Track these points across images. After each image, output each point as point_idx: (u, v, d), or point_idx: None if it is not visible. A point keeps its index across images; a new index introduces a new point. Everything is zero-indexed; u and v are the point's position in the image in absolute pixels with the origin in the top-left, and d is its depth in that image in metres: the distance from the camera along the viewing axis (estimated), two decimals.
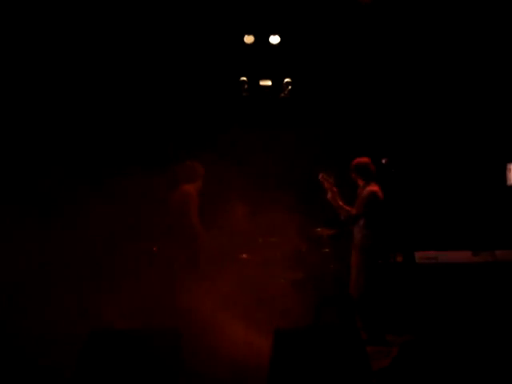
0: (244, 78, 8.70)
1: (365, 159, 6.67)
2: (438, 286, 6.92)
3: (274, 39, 8.47)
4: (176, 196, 6.78)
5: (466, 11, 7.77)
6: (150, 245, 7.13)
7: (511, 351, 4.80)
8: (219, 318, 6.07)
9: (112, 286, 6.05)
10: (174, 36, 8.26)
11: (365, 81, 8.53)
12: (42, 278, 6.23)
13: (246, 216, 7.05)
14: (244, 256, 7.32)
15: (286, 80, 8.71)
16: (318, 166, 6.91)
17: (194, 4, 7.99)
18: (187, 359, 4.32)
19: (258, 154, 8.31)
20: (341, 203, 6.59)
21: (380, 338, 6.50)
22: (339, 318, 6.90)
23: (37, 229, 6.26)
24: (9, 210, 6.29)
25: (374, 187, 6.54)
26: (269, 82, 8.79)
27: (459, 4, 7.69)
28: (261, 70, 8.75)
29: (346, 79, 8.56)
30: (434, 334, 5.57)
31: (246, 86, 8.71)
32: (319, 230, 7.71)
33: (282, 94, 8.75)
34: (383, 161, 6.79)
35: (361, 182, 6.70)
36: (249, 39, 8.45)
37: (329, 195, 6.59)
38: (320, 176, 6.60)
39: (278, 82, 8.78)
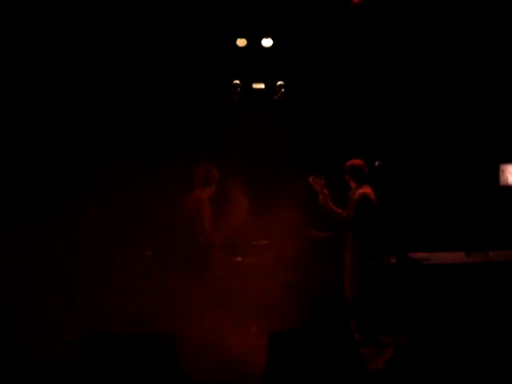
0: (237, 81, 8.70)
1: (358, 161, 6.69)
2: (431, 286, 6.94)
3: (267, 42, 8.48)
4: (189, 202, 6.77)
5: (456, 10, 7.81)
6: (145, 249, 7.14)
7: (505, 351, 4.83)
8: (214, 321, 6.08)
9: (107, 288, 6.07)
10: (167, 39, 8.27)
11: (357, 83, 8.55)
12: (35, 280, 6.24)
13: (240, 218, 7.05)
14: (238, 259, 7.33)
15: (279, 83, 8.71)
16: (310, 168, 6.92)
17: (186, 7, 8.01)
18: (181, 363, 4.33)
19: (250, 156, 8.33)
20: (332, 206, 6.59)
21: (374, 339, 6.52)
22: (333, 320, 6.92)
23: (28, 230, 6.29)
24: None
25: (365, 189, 6.56)
26: (262, 85, 8.79)
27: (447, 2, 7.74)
28: (254, 73, 8.76)
29: (338, 81, 8.59)
30: (428, 336, 5.60)
31: (238, 89, 8.71)
32: (313, 232, 7.73)
33: (275, 97, 8.76)
34: (376, 163, 6.82)
35: (353, 184, 6.71)
36: (241, 42, 8.46)
37: (320, 198, 6.60)
38: (310, 179, 6.61)
39: (271, 84, 8.78)
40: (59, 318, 6.21)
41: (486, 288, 6.80)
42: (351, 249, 6.62)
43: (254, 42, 8.49)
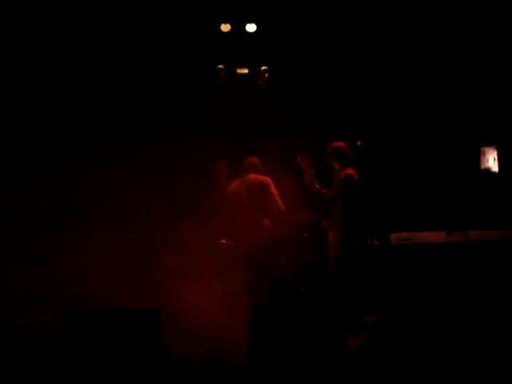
0: (221, 66, 8.73)
1: (341, 143, 6.75)
2: (413, 266, 7.04)
3: (251, 27, 8.52)
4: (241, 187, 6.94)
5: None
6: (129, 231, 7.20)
7: (484, 328, 4.93)
8: (198, 299, 6.15)
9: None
10: (151, 25, 8.27)
11: (339, 66, 8.61)
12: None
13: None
14: (223, 241, 7.38)
15: (263, 68, 8.76)
16: (294, 151, 6.98)
17: None
18: (166, 338, 4.39)
19: (234, 140, 8.39)
20: (317, 186, 6.66)
21: (357, 319, 6.60)
22: (316, 294, 7.00)
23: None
24: None
25: (349, 170, 6.63)
26: (246, 70, 8.84)
27: None
28: (238, 58, 8.80)
29: (321, 65, 8.64)
30: (409, 312, 5.68)
31: (222, 74, 8.75)
32: (297, 214, 7.80)
33: (259, 82, 8.81)
34: (358, 143, 6.88)
35: (337, 166, 6.77)
36: (225, 27, 8.49)
37: (306, 177, 6.67)
38: (299, 158, 6.67)
39: (254, 69, 8.82)
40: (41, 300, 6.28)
41: (466, 266, 6.92)
42: (335, 229, 6.69)
43: (238, 28, 8.51)
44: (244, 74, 8.84)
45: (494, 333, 4.95)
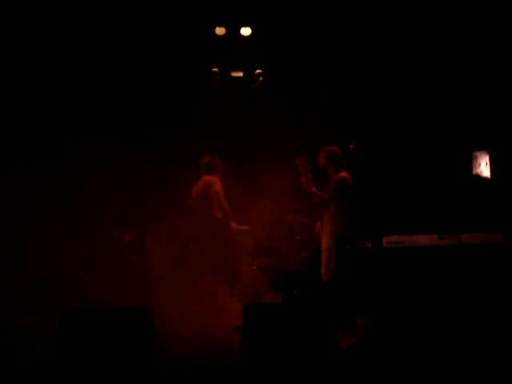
0: (215, 70, 8.78)
1: (334, 148, 6.81)
2: (405, 269, 7.09)
3: (246, 31, 8.57)
4: (198, 186, 7.22)
5: None
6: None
7: (475, 329, 4.97)
8: (191, 299, 6.19)
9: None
10: (146, 28, 8.30)
11: (333, 70, 8.67)
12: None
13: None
14: None
15: (258, 71, 8.81)
16: (290, 154, 7.03)
17: None
18: (160, 337, 4.42)
19: (229, 143, 8.43)
20: (314, 189, 6.70)
21: (349, 322, 6.62)
22: (308, 295, 7.04)
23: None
24: None
25: (343, 173, 6.68)
26: (240, 74, 8.88)
27: None
28: (232, 61, 8.85)
29: (315, 69, 8.69)
30: (400, 314, 5.71)
31: (217, 77, 8.80)
32: (291, 217, 7.86)
33: (254, 85, 8.85)
34: (351, 146, 6.92)
35: (331, 170, 6.81)
36: (220, 31, 8.54)
37: (303, 179, 6.70)
38: (297, 160, 6.71)
39: (249, 73, 8.87)
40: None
41: (458, 269, 6.97)
42: (328, 232, 6.72)
43: (233, 31, 8.56)
44: (238, 78, 8.89)
45: (484, 335, 4.99)
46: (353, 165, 6.84)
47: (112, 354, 4.13)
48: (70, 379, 4.13)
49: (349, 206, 6.67)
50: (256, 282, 7.38)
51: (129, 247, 7.10)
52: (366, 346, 4.90)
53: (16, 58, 7.82)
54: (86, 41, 8.06)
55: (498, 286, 6.84)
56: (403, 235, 7.34)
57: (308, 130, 8.20)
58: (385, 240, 7.32)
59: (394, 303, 6.91)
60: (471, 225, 7.51)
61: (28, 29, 7.76)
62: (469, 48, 8.27)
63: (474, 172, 8.53)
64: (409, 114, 8.66)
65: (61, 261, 6.43)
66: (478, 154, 8.47)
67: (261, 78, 8.81)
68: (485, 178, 8.51)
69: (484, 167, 8.48)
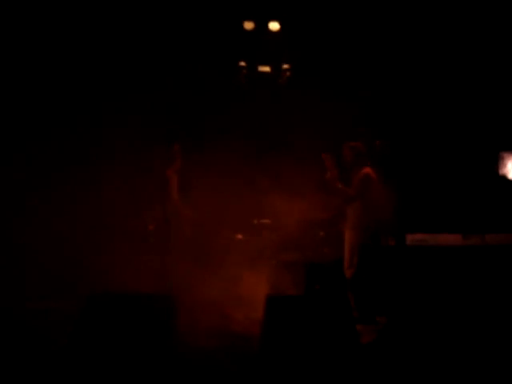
0: (243, 64, 8.80)
1: (358, 143, 6.79)
2: (428, 267, 7.05)
3: (274, 26, 8.57)
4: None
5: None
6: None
7: (497, 330, 4.93)
8: (214, 294, 6.21)
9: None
10: (175, 22, 8.34)
11: (362, 67, 8.63)
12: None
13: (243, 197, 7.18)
14: (239, 236, 7.44)
15: (285, 66, 8.82)
16: (315, 149, 7.02)
17: None
18: (180, 325, 4.44)
19: (255, 137, 8.43)
20: (339, 185, 6.68)
21: (370, 318, 6.60)
22: (330, 289, 7.03)
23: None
24: None
25: (367, 169, 6.65)
26: (267, 68, 8.89)
27: None
28: (260, 55, 8.86)
29: (343, 65, 8.67)
30: (421, 313, 5.70)
31: (244, 72, 8.82)
32: (314, 212, 7.84)
33: (280, 80, 8.86)
34: (377, 142, 6.90)
35: (355, 166, 6.80)
36: (248, 25, 8.55)
37: (328, 175, 6.68)
38: (323, 155, 6.69)
39: (276, 68, 8.88)
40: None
41: (482, 269, 6.91)
42: (351, 228, 6.70)
43: (262, 26, 8.57)
44: (266, 72, 8.90)
45: (507, 336, 4.95)
46: (379, 161, 6.82)
47: (133, 341, 4.16)
48: (92, 365, 4.17)
49: (372, 203, 6.65)
50: (278, 277, 7.38)
51: (153, 236, 7.15)
52: (385, 343, 4.89)
53: (16, 55, 7.84)
54: (110, 36, 8.10)
55: None
56: (427, 234, 7.30)
57: (334, 125, 8.17)
58: (408, 238, 7.29)
59: (415, 302, 6.87)
60: (496, 225, 7.45)
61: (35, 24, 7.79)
62: (496, 51, 8.19)
63: (500, 172, 8.45)
64: (436, 113, 8.60)
65: (87, 248, 6.49)
66: (504, 154, 8.39)
67: (288, 74, 8.80)
68: (511, 179, 8.44)
69: (510, 168, 8.40)
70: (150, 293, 4.42)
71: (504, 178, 8.43)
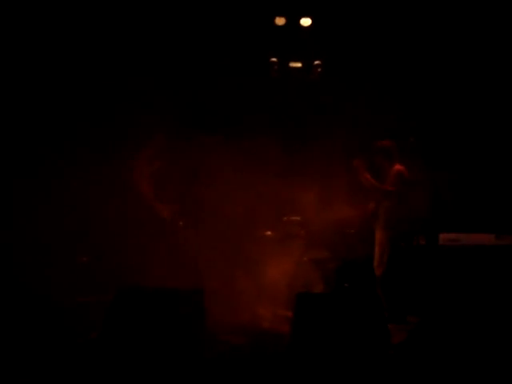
0: (274, 60, 8.78)
1: (388, 142, 6.75)
2: (460, 267, 6.95)
3: (306, 21, 8.52)
4: None
5: None
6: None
7: None
8: (242, 290, 6.20)
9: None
10: (207, 16, 8.34)
11: (392, 64, 8.53)
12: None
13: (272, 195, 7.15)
14: (268, 233, 7.42)
15: (316, 62, 8.76)
16: (346, 146, 6.99)
17: None
18: (208, 321, 4.44)
19: (285, 132, 8.38)
20: (375, 183, 6.65)
21: (401, 318, 6.54)
22: (361, 286, 6.97)
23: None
24: None
25: (399, 167, 6.60)
26: (299, 64, 8.85)
27: None
28: (291, 51, 8.82)
29: (375, 62, 8.57)
30: (453, 313, 5.61)
31: (275, 68, 8.79)
32: (345, 209, 7.78)
33: (312, 76, 8.81)
34: (411, 139, 6.83)
35: (386, 164, 6.75)
36: (280, 21, 8.52)
37: (361, 178, 6.68)
38: (355, 162, 6.70)
39: (307, 64, 8.83)
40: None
41: None
42: (382, 226, 6.66)
43: (293, 21, 8.52)
44: (297, 68, 8.86)
45: None
46: (412, 158, 6.75)
47: (162, 335, 4.17)
48: (121, 358, 4.18)
49: (404, 201, 6.59)
50: (307, 274, 7.34)
51: (183, 231, 7.14)
52: (416, 344, 4.83)
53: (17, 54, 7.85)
54: (140, 28, 8.10)
55: None
56: (460, 233, 7.20)
57: (366, 122, 8.10)
58: (441, 237, 7.20)
59: (446, 302, 6.78)
60: None
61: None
62: None
63: None
64: (470, 108, 8.46)
65: (117, 243, 6.52)
66: None
67: (319, 69, 8.75)
68: None
69: None
70: (179, 288, 4.41)
71: None
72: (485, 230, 7.24)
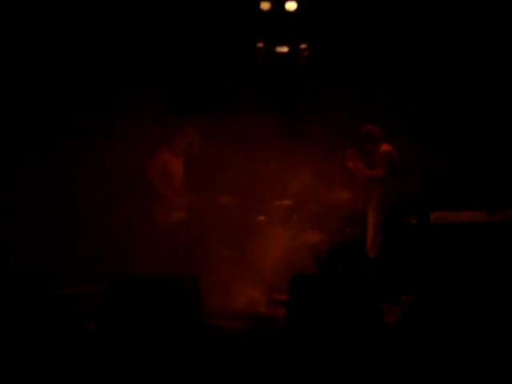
0: (260, 45, 8.75)
1: (371, 126, 6.77)
2: (452, 245, 6.99)
3: (291, 5, 8.50)
4: None
5: None
6: None
7: None
8: (237, 276, 6.22)
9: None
10: (189, 3, 8.29)
11: (381, 46, 8.52)
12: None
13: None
14: (261, 218, 7.43)
15: (303, 46, 8.75)
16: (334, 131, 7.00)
17: None
18: (204, 307, 4.45)
19: (272, 118, 8.36)
20: (367, 171, 6.68)
21: (394, 297, 6.59)
22: (354, 267, 7.01)
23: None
24: None
25: (387, 147, 6.63)
26: (285, 49, 8.84)
27: None
28: (277, 36, 8.79)
29: (362, 45, 8.56)
30: (445, 291, 5.66)
31: (261, 53, 8.77)
32: (334, 192, 7.79)
33: (298, 61, 8.79)
34: (398, 119, 6.86)
35: (373, 148, 6.77)
36: (265, 5, 8.50)
37: (355, 167, 6.72)
38: (348, 152, 6.73)
39: (294, 48, 8.81)
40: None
41: (507, 247, 6.84)
42: (375, 207, 6.69)
43: (278, 6, 8.50)
44: (283, 53, 8.84)
45: None
46: (399, 138, 6.77)
47: (158, 323, 4.18)
48: (116, 348, 4.19)
49: (394, 181, 6.62)
50: (300, 258, 7.36)
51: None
52: (409, 322, 4.87)
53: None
54: (127, 20, 8.05)
55: None
56: (451, 211, 7.24)
57: (354, 107, 8.10)
58: (432, 216, 7.24)
59: (439, 280, 6.83)
60: None
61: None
62: None
63: None
64: (463, 85, 8.45)
65: (112, 232, 6.52)
66: None
67: (306, 53, 8.73)
68: None
69: None
70: (174, 275, 4.43)
71: None
72: (476, 208, 7.28)
